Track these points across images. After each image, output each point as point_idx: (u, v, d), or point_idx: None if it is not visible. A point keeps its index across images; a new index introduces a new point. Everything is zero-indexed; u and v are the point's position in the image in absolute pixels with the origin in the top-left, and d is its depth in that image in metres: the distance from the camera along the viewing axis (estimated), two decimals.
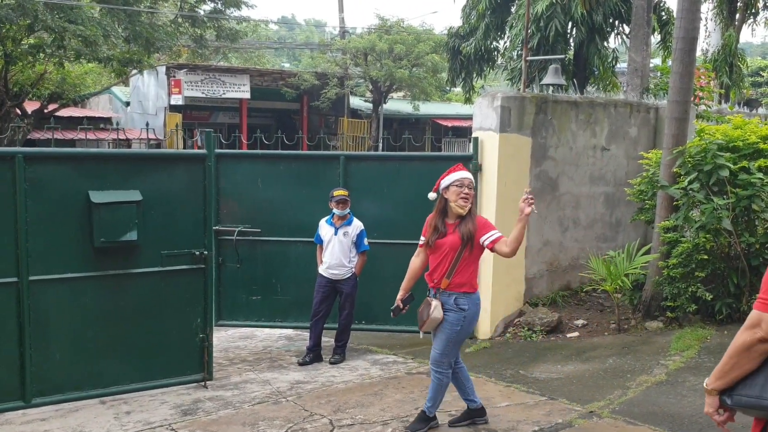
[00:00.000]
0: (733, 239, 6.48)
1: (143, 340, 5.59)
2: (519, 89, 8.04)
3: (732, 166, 6.33)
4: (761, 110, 14.16)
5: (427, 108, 29.77)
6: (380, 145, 26.49)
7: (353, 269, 6.57)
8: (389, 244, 7.45)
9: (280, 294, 7.59)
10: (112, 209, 5.28)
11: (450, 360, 4.66)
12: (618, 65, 14.27)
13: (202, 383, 5.84)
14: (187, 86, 25.38)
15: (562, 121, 7.84)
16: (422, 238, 4.78)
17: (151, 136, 20.97)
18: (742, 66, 16.31)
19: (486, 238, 4.58)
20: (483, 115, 7.46)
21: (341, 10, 30.63)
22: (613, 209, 8.47)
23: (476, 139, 7.43)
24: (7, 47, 17.03)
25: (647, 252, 7.11)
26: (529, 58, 8.96)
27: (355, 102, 29.98)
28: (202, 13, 22.08)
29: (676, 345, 6.17)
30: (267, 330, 7.93)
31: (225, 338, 7.69)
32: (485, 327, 7.41)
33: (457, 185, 4.57)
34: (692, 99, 10.43)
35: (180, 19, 21.48)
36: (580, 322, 7.43)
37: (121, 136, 24.67)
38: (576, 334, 7.18)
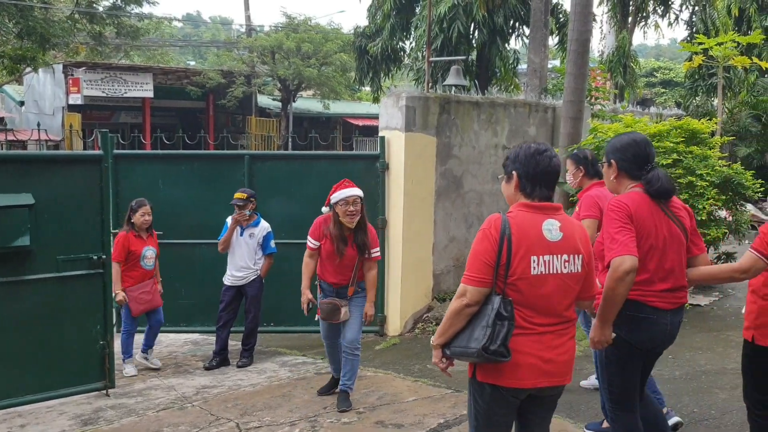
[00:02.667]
0: None
1: (39, 350, 5.34)
2: (425, 89, 8.19)
3: None
4: (653, 109, 14.93)
5: (338, 107, 29.80)
6: (289, 144, 26.30)
7: (258, 271, 6.50)
8: (297, 245, 7.34)
9: (184, 298, 7.43)
10: (2, 214, 5.02)
11: None
12: (520, 66, 14.72)
13: (104, 391, 5.65)
14: (87, 85, 24.40)
15: (465, 121, 8.02)
16: (314, 241, 5.19)
17: (46, 137, 20.06)
18: (635, 67, 17.14)
19: (373, 252, 5.16)
20: (389, 114, 7.54)
21: (247, 8, 30.24)
22: None
23: (383, 138, 7.51)
24: None
25: None
26: (431, 59, 9.12)
27: (264, 101, 29.65)
28: (100, 9, 21.27)
29: (577, 333, 6.43)
30: (172, 335, 7.72)
31: None
32: (395, 324, 7.50)
33: (342, 204, 4.98)
34: (588, 99, 10.89)
35: (77, 15, 20.62)
36: None
37: (11, 137, 23.49)
38: None
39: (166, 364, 6.70)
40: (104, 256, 5.57)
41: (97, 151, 5.70)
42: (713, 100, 18.20)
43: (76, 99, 24.11)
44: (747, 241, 10.45)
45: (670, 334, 3.21)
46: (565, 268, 2.70)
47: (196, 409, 5.31)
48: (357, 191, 5.00)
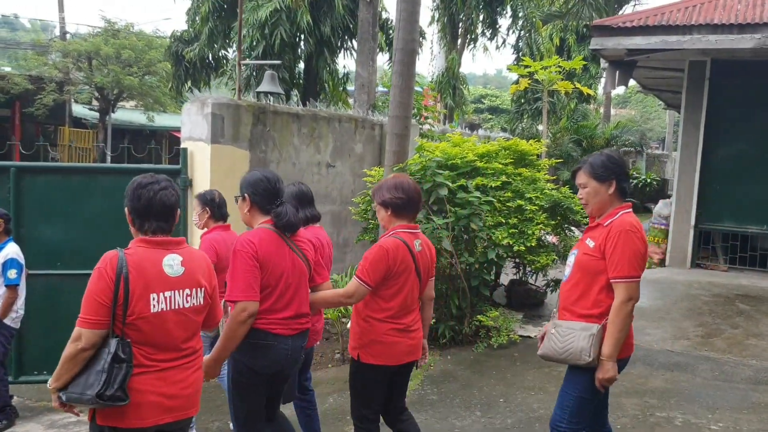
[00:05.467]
0: (454, 259, 6.28)
1: None
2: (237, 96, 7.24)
3: (451, 184, 6.12)
4: (481, 132, 14.99)
5: (164, 120, 27.89)
6: (107, 157, 24.10)
7: None
8: (76, 276, 6.20)
9: None
10: None
11: None
12: (350, 89, 14.11)
13: None
14: None
15: (283, 134, 7.19)
16: None
17: None
18: (464, 89, 17.20)
19: None
20: (192, 122, 6.55)
21: (61, 9, 27.64)
22: (339, 229, 8.02)
23: (185, 150, 6.49)
24: None
25: None
26: (244, 62, 8.19)
27: (79, 110, 27.12)
28: None
29: None
30: None
31: None
32: None
33: None
34: (418, 118, 10.47)
35: None
36: None
37: None
38: None
39: None
40: None
41: None
42: (538, 125, 18.76)
43: None
44: None
45: (292, 357, 3.39)
46: (187, 302, 2.73)
47: None
48: None
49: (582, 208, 7.16)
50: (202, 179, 6.43)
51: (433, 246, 3.77)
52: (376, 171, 6.98)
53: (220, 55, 13.43)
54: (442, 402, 5.15)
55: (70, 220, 6.26)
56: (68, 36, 27.77)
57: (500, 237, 6.38)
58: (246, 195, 3.37)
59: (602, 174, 3.19)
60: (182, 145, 6.59)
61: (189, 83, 13.07)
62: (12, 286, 5.18)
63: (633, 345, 3.27)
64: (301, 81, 12.30)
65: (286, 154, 7.25)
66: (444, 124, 12.77)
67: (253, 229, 3.36)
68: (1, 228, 5.26)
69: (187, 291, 2.72)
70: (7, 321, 5.21)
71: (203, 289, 2.80)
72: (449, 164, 6.38)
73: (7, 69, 35.41)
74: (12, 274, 5.17)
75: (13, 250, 5.26)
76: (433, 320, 6.29)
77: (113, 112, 26.15)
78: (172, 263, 2.69)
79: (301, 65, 12.39)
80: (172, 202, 2.76)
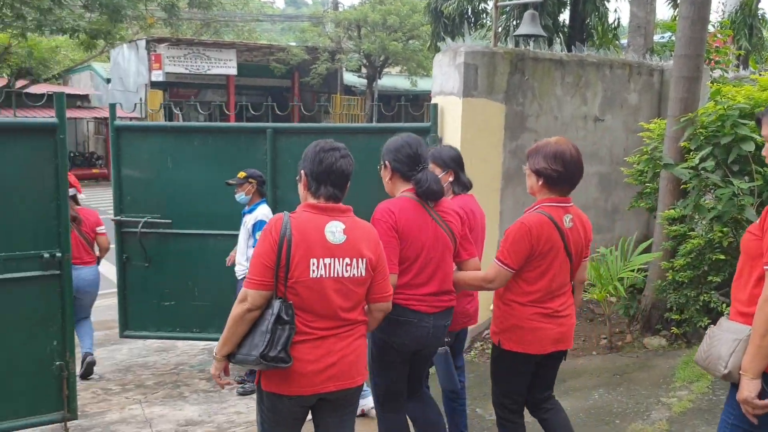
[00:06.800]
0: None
1: None
2: (491, 43, 6.54)
3: (758, 137, 4.84)
4: None
5: (426, 83, 28.24)
6: (374, 121, 25.01)
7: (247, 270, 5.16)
8: None
9: (198, 299, 6.23)
10: None
11: None
12: (622, 42, 12.58)
13: (62, 424, 4.50)
14: (169, 61, 23.96)
15: (544, 84, 6.36)
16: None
17: (132, 114, 19.60)
18: (763, 29, 14.63)
19: None
20: (444, 75, 6.00)
21: None
22: (609, 193, 7.01)
23: (435, 105, 5.97)
24: None
25: (647, 249, 5.65)
26: (502, 2, 7.38)
27: (349, 78, 28.51)
28: None
29: (683, 373, 4.72)
30: (189, 342, 6.60)
31: (137, 351, 6.48)
32: None
33: None
34: (706, 62, 8.88)
35: None
36: None
37: (96, 115, 23.15)
38: None
39: (163, 383, 5.55)
40: (61, 254, 4.40)
41: (50, 119, 4.47)
42: None
43: (158, 76, 23.69)
44: None
45: (434, 336, 3.23)
46: (347, 271, 2.65)
47: None
48: None
49: None
50: (452, 137, 5.88)
51: (589, 221, 3.28)
52: (656, 124, 5.87)
53: (480, 8, 12.80)
54: None
55: None
56: (340, 7, 29.18)
57: None
58: (387, 162, 3.26)
59: None
60: (432, 101, 6.09)
61: (447, 40, 12.66)
62: None
63: None
64: (565, 29, 11.19)
65: (546, 107, 6.42)
66: (738, 69, 10.85)
67: (394, 198, 3.22)
68: (254, 189, 5.22)
69: (347, 260, 2.64)
70: None
71: (365, 260, 2.69)
72: (756, 113, 5.09)
73: (293, 44, 38.49)
74: (259, 235, 5.11)
75: (263, 212, 5.20)
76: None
77: (379, 78, 27.01)
78: (335, 230, 2.64)
79: (566, 13, 11.28)
80: (350, 172, 2.77)
